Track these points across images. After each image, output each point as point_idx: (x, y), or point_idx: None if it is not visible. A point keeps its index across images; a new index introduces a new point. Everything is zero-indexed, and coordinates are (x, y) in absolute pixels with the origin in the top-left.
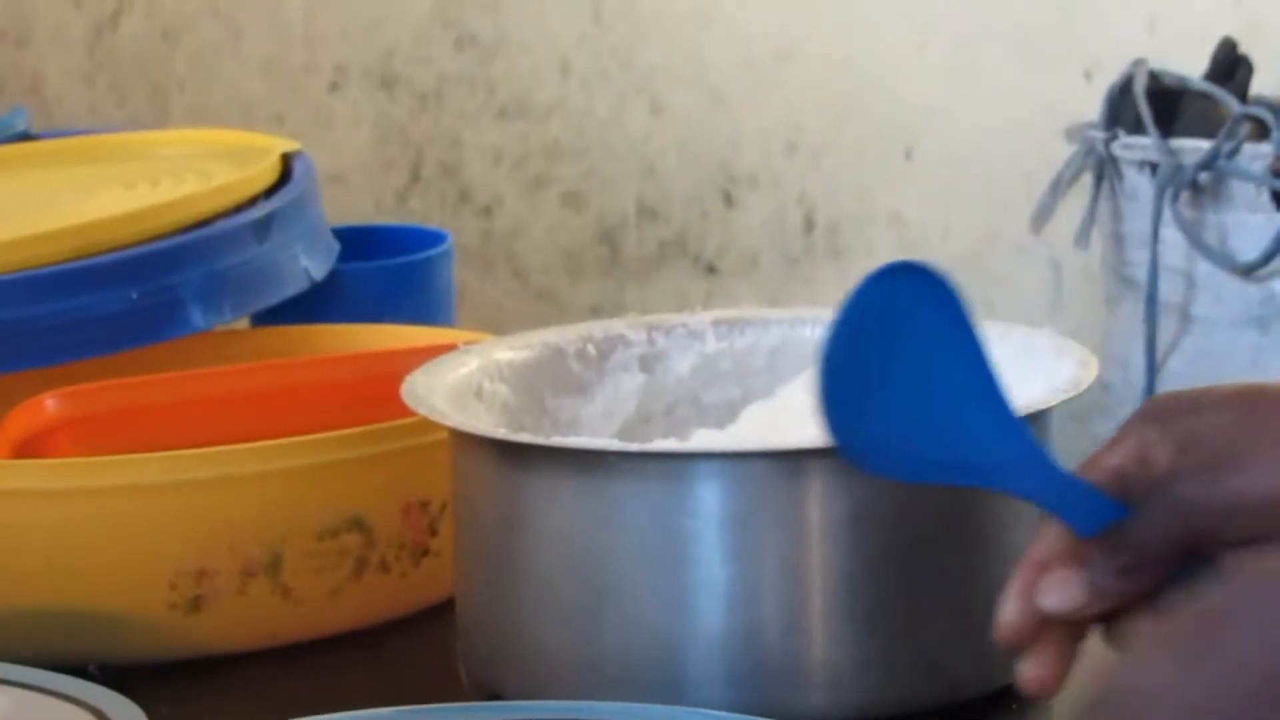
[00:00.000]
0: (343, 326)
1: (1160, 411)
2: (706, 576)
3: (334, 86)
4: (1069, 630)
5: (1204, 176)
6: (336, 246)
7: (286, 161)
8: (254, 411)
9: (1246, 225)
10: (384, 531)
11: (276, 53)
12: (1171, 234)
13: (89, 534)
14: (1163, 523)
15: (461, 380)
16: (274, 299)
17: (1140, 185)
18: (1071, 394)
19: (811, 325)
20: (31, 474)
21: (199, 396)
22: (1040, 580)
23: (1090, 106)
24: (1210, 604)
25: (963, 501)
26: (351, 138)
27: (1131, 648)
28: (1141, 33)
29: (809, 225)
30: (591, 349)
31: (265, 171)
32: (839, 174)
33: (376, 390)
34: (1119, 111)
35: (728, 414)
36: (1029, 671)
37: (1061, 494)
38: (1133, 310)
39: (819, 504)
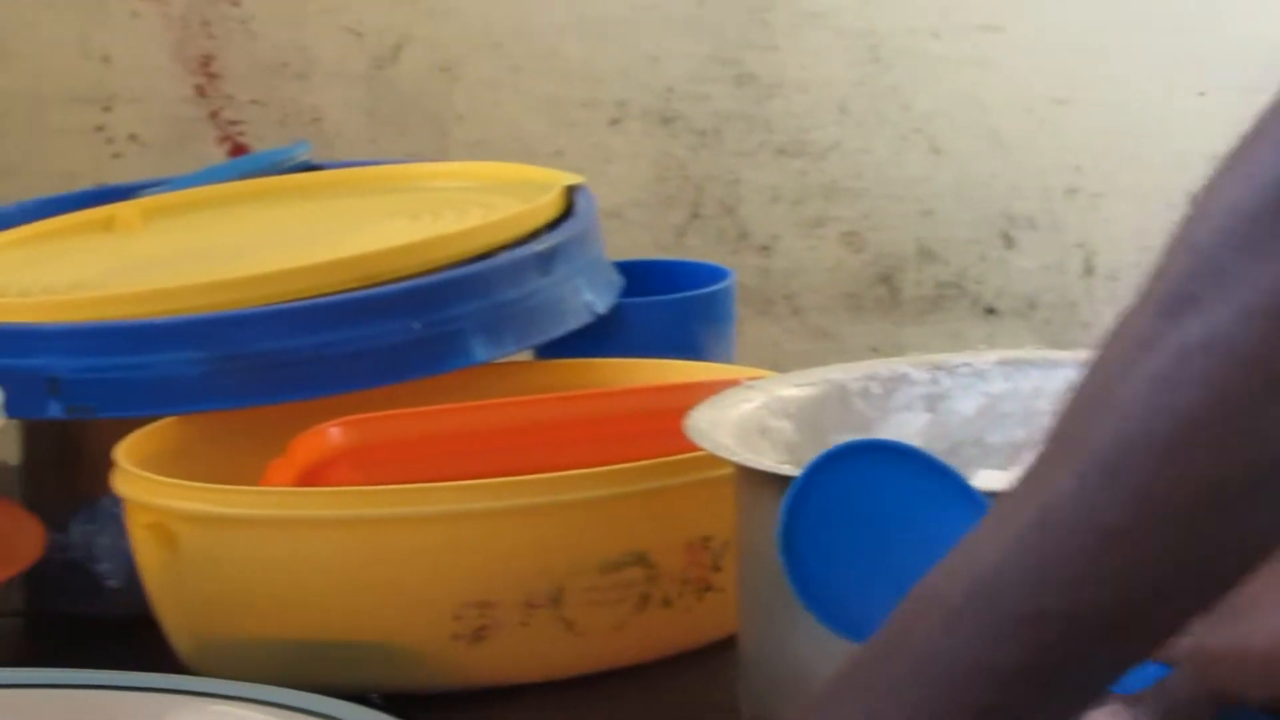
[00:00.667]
0: (624, 361)
1: None
2: None
3: (614, 122)
4: None
5: None
6: (620, 281)
7: (569, 195)
8: (535, 444)
9: None
10: (667, 567)
11: (556, 88)
12: None
13: (373, 563)
14: (1192, 676)
15: (745, 416)
16: (556, 332)
17: None
18: None
19: None
20: (318, 502)
21: (481, 428)
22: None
23: None
24: None
25: None
26: (630, 174)
27: None
28: None
29: (1088, 269)
30: (876, 387)
31: (548, 205)
32: (1119, 219)
33: (658, 425)
34: None
35: (1012, 455)
36: None
37: None
38: None
39: None
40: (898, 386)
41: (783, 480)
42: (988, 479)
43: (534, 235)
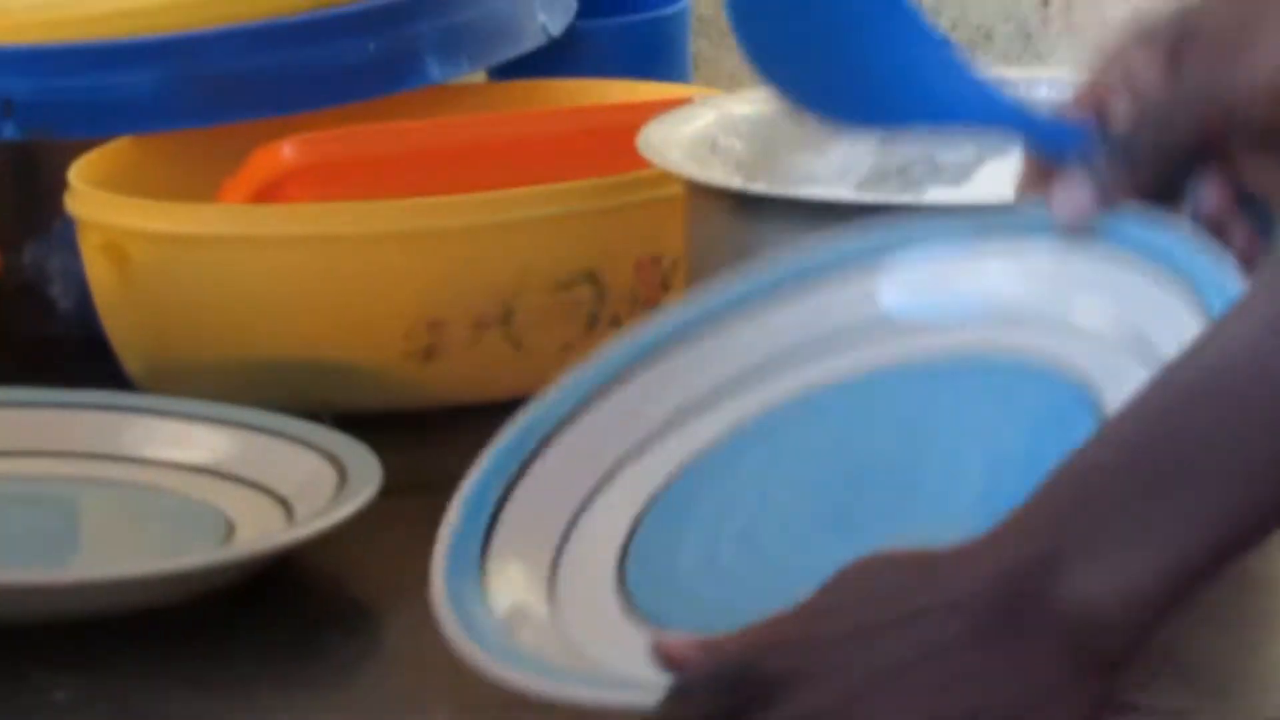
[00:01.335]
0: (578, 81)
1: (1143, 32)
2: None
3: None
4: None
5: None
6: (574, 3)
7: None
8: (488, 163)
9: None
10: (616, 286)
11: None
12: None
13: (325, 281)
14: (1169, 126)
15: (697, 133)
16: (511, 53)
17: None
18: None
19: (1048, 87)
20: (270, 219)
21: (435, 147)
22: (1051, 190)
23: None
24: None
25: None
26: None
27: None
28: None
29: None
30: None
31: None
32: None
33: (611, 144)
34: None
35: (962, 173)
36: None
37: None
38: None
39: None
40: None
41: (732, 196)
42: (939, 196)
43: None
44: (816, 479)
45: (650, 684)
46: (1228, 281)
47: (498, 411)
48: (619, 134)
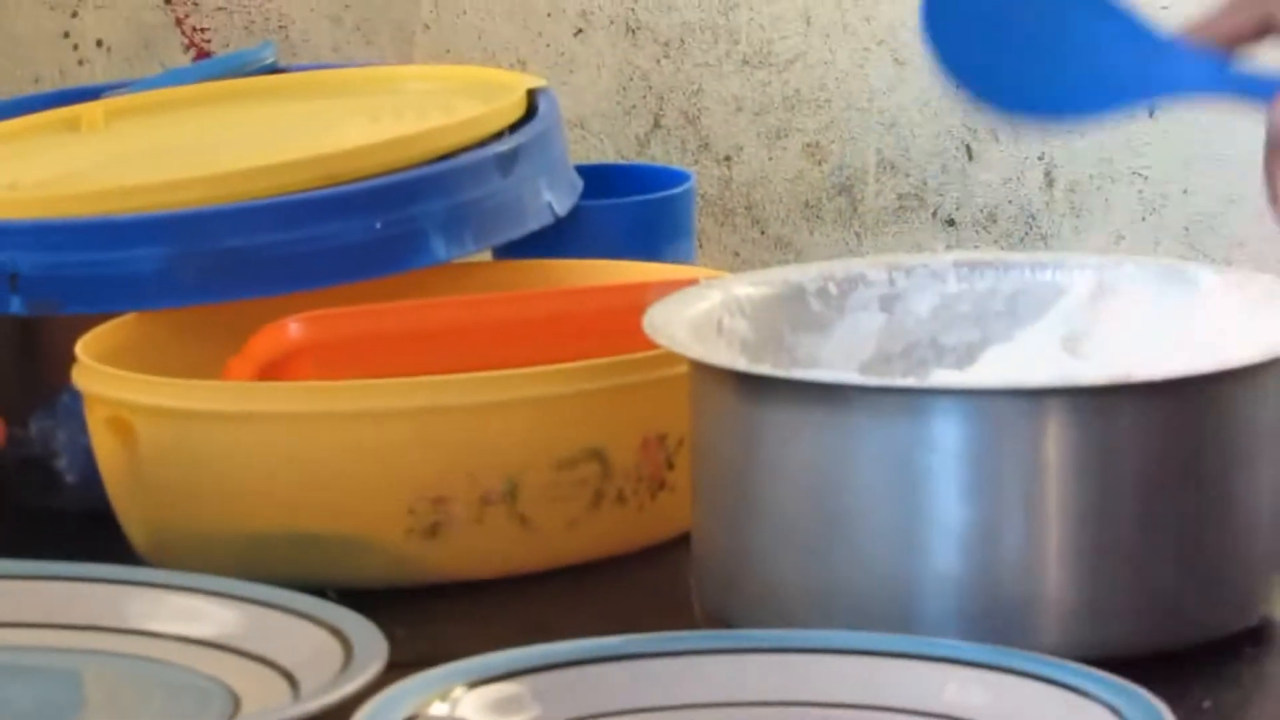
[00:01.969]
0: (584, 262)
1: None
2: (943, 513)
3: (578, 32)
4: None
5: None
6: (580, 183)
7: (531, 98)
8: (494, 342)
9: None
10: (622, 464)
11: None
12: None
13: (329, 458)
14: None
15: (702, 315)
16: (516, 233)
17: None
18: None
19: (1053, 270)
20: (274, 396)
21: (440, 325)
22: None
23: None
24: None
25: (1198, 439)
26: (594, 84)
27: None
28: None
29: (1049, 182)
30: (832, 287)
31: (511, 107)
32: (1080, 132)
33: (616, 324)
34: None
35: (966, 356)
36: None
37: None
38: None
39: (1057, 442)
40: (854, 287)
41: (737, 377)
42: (943, 379)
43: (496, 136)
44: None
45: None
46: None
47: (503, 587)
48: (624, 313)
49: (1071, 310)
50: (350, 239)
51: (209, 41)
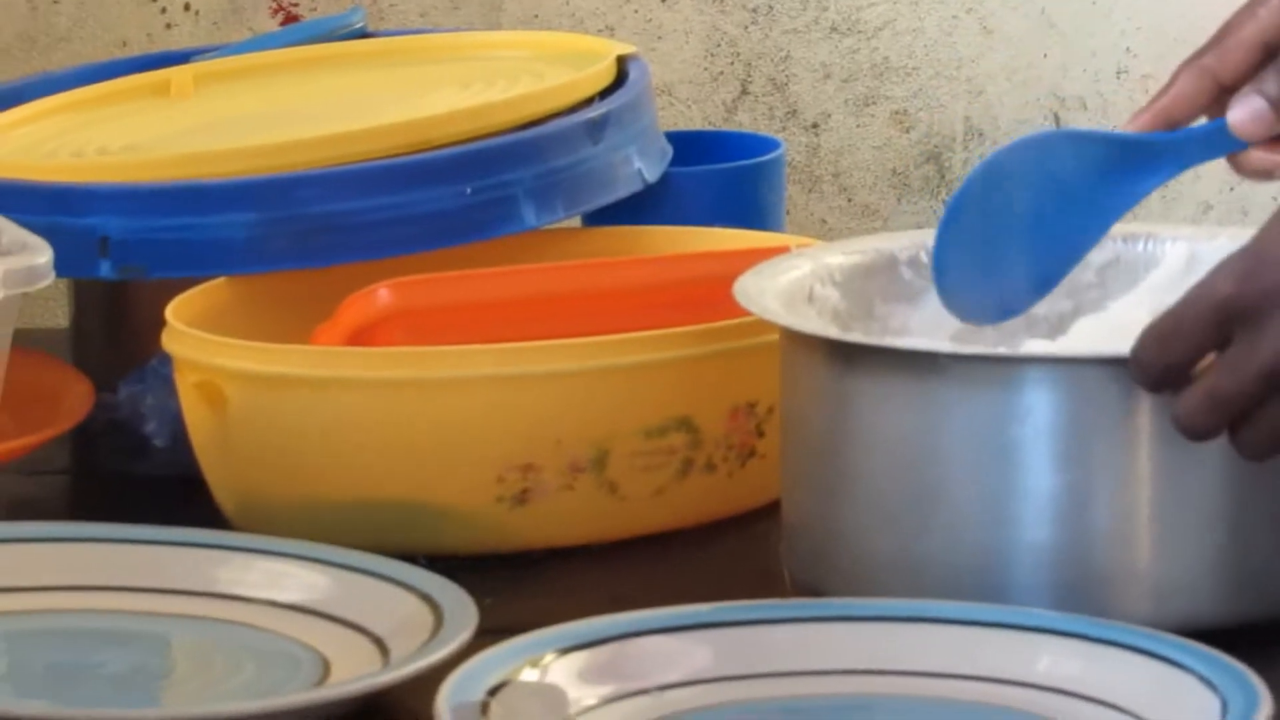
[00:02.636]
0: (674, 229)
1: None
2: (1034, 484)
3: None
4: None
5: None
6: (669, 150)
7: (621, 64)
8: (584, 309)
9: None
10: (711, 432)
11: None
12: None
13: (418, 425)
14: None
15: (793, 283)
16: (606, 199)
17: None
18: None
19: (1145, 241)
20: (365, 362)
21: (530, 293)
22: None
23: None
24: None
25: None
26: (681, 51)
27: None
28: None
29: None
30: (924, 256)
31: (601, 73)
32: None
33: (706, 292)
34: None
35: (1058, 327)
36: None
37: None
38: None
39: (1150, 412)
40: None
41: (828, 345)
42: (1034, 348)
43: (586, 103)
44: None
45: None
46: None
47: (591, 555)
48: (713, 281)
49: (1163, 282)
50: (440, 205)
51: (297, 6)
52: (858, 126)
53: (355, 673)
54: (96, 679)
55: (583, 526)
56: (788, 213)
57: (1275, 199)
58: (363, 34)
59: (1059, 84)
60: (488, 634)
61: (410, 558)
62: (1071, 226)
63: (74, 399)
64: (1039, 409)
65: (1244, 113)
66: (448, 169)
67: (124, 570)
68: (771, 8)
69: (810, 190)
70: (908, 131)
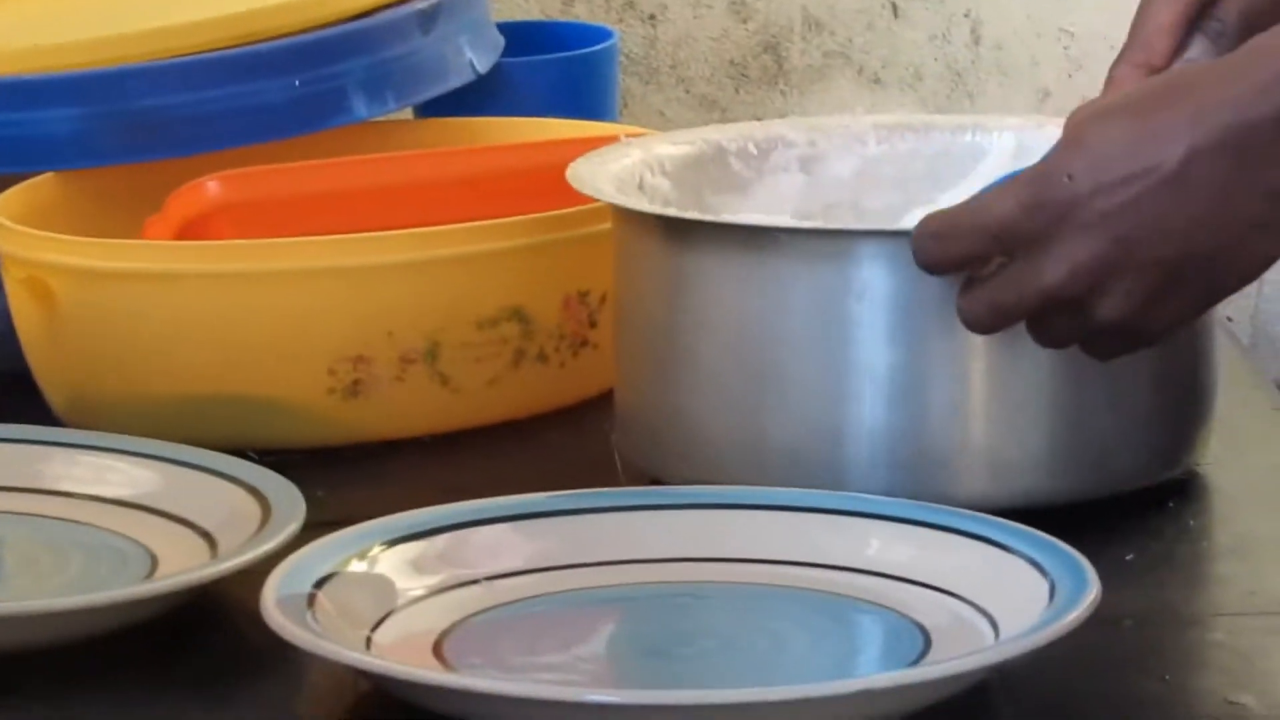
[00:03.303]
0: (506, 120)
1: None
2: (871, 361)
3: None
4: None
5: None
6: (501, 41)
7: None
8: (415, 201)
9: None
10: (543, 323)
11: None
12: None
13: (248, 318)
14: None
15: (624, 171)
16: (438, 90)
17: None
18: None
19: (973, 132)
20: (194, 256)
21: (361, 185)
22: None
23: None
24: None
25: None
26: None
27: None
28: None
29: (975, 39)
30: (752, 148)
31: None
32: None
33: (537, 182)
34: None
35: (887, 219)
36: None
37: None
38: None
39: None
40: (774, 148)
41: (663, 223)
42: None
43: None
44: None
45: None
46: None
47: (424, 447)
48: (545, 171)
49: (992, 171)
50: (269, 98)
51: None
52: (695, 18)
53: (183, 567)
54: None
55: (415, 418)
56: (626, 105)
57: None
58: None
59: None
60: (321, 526)
61: (242, 452)
62: None
63: None
64: (875, 284)
65: None
66: (276, 61)
67: None
68: None
69: (648, 82)
70: (745, 22)
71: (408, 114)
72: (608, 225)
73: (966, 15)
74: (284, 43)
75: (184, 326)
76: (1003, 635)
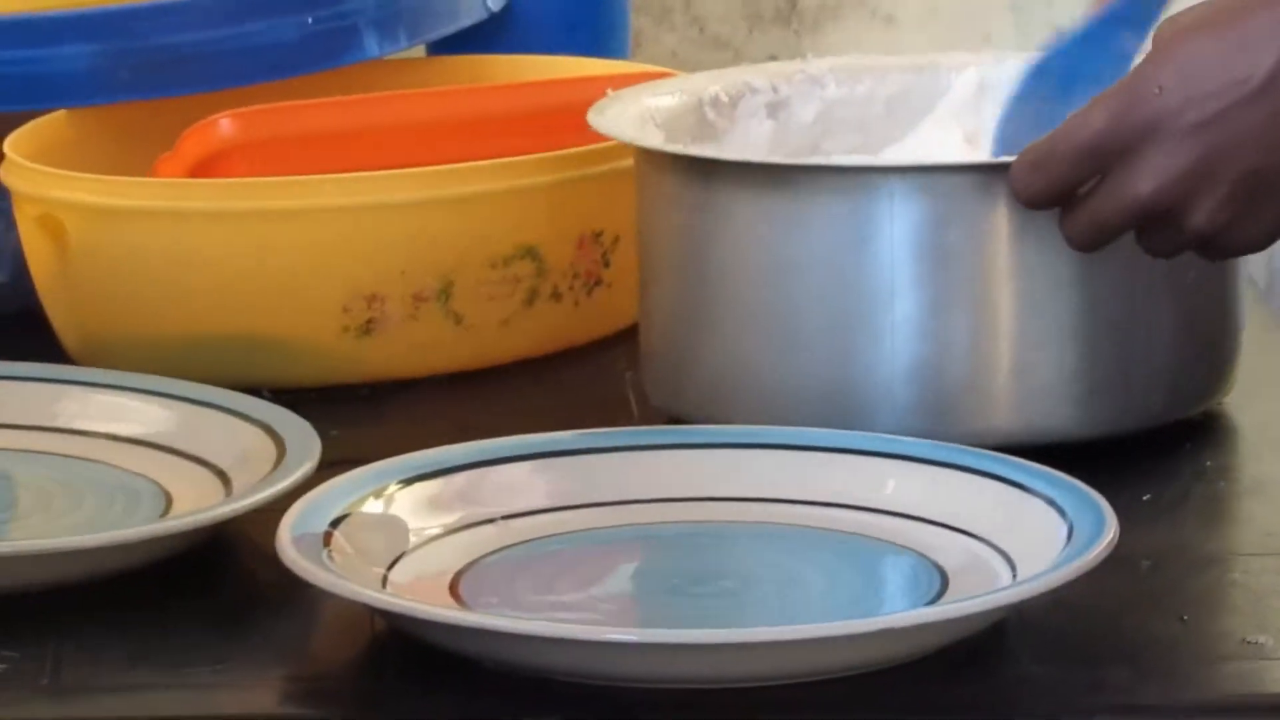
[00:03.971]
0: (518, 57)
1: None
2: (893, 298)
3: None
4: None
5: None
6: None
7: None
8: (428, 139)
9: None
10: (556, 262)
11: None
12: None
13: (261, 256)
14: None
15: (626, 121)
16: (450, 28)
17: None
18: None
19: (929, 72)
20: (207, 193)
21: (374, 123)
22: None
23: None
24: None
25: None
26: None
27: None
28: None
29: None
30: (723, 96)
31: None
32: None
33: (551, 121)
34: None
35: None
36: None
37: None
38: None
39: (1008, 223)
40: (742, 95)
41: (688, 161)
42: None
43: None
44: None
45: None
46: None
47: (438, 386)
48: (558, 110)
49: (957, 109)
50: (282, 35)
51: None
52: None
53: (197, 506)
54: None
55: (429, 357)
56: (639, 45)
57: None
58: None
59: None
60: (334, 465)
61: (255, 391)
62: None
63: None
64: (898, 220)
65: None
66: None
67: None
68: None
69: (660, 22)
70: None
71: (420, 52)
72: (622, 164)
73: None
74: None
75: (197, 264)
76: (1020, 575)
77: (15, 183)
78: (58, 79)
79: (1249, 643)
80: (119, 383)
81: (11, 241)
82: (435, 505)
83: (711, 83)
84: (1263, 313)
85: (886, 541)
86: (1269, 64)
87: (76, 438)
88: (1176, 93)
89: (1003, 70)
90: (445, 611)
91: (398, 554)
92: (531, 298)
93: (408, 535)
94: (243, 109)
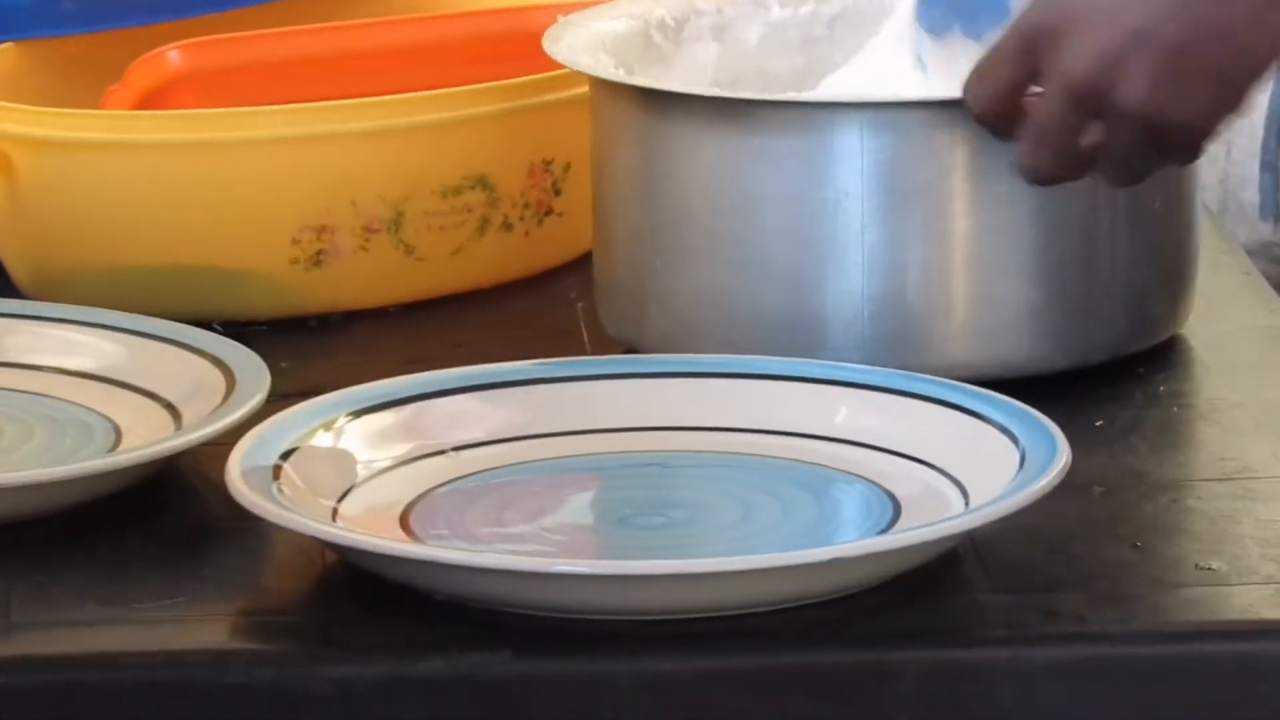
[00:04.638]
0: None
1: None
2: (849, 230)
3: None
4: None
5: None
6: None
7: None
8: (377, 69)
9: None
10: (507, 190)
11: None
12: None
13: (210, 188)
14: None
15: (581, 44)
16: None
17: None
18: None
19: None
20: (155, 125)
21: (323, 52)
22: None
23: None
24: None
25: None
26: None
27: None
28: None
29: None
30: (669, 19)
31: None
32: None
33: (502, 48)
34: None
35: (793, 84)
36: None
37: None
38: None
39: (964, 157)
40: (687, 18)
41: (645, 94)
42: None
43: None
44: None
45: None
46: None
47: (389, 317)
48: (509, 38)
49: (904, 30)
50: None
51: None
52: None
53: (148, 439)
54: None
55: (380, 288)
56: None
57: None
58: None
59: None
60: (285, 398)
61: (206, 324)
62: None
63: None
64: (854, 153)
65: None
66: None
67: None
68: None
69: None
70: None
71: None
72: (572, 93)
73: None
74: None
75: (145, 197)
76: (973, 503)
77: None
78: (4, 10)
79: (1202, 568)
80: (68, 316)
81: None
82: (385, 437)
83: (658, 5)
84: (1215, 234)
85: (838, 470)
86: None
87: (26, 372)
88: None
89: None
90: (395, 544)
91: (348, 487)
92: (483, 227)
93: (357, 468)
94: (191, 40)
